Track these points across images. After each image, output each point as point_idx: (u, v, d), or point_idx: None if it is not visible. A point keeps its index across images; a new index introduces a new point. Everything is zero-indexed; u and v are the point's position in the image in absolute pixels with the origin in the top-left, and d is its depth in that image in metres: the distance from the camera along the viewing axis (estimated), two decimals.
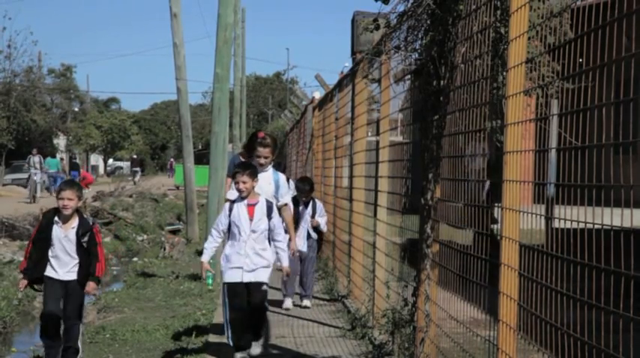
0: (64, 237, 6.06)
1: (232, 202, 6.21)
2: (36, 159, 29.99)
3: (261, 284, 6.18)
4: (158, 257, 15.23)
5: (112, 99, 77.28)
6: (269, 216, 6.17)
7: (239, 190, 6.12)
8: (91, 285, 6.11)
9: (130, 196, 26.60)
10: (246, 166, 6.32)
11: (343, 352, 6.64)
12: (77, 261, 6.07)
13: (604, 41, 2.81)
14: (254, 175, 6.16)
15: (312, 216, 8.95)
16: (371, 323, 7.08)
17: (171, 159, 67.04)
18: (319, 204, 9.20)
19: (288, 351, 6.71)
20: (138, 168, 48.43)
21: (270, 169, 6.91)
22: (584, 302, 2.82)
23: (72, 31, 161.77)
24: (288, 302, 8.79)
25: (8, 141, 44.62)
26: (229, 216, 6.15)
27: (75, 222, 6.09)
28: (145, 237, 19.42)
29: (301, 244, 8.54)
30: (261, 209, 6.16)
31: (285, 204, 6.96)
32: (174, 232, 20.04)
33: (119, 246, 17.76)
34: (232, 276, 6.16)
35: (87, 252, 6.07)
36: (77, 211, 6.15)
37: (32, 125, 48.27)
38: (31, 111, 47.96)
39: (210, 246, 6.25)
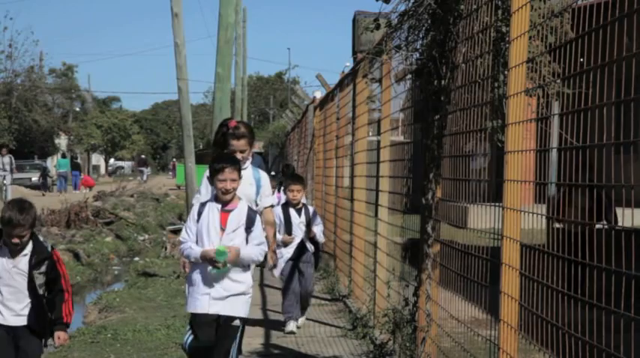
0: (12, 267, 4.49)
1: (203, 204, 4.84)
2: (6, 159, 27.36)
3: (232, 319, 4.75)
4: (159, 257, 15.24)
5: (113, 98, 77.36)
6: (248, 228, 4.74)
7: (225, 191, 4.72)
8: (61, 336, 4.60)
9: (132, 196, 26.60)
10: (234, 159, 4.96)
11: (344, 352, 6.64)
12: (30, 300, 4.51)
13: (605, 41, 2.81)
14: (239, 172, 4.85)
15: (307, 226, 7.53)
16: (372, 322, 7.08)
17: (174, 160, 67.18)
18: (312, 211, 7.81)
19: (289, 351, 6.71)
20: (144, 168, 49.44)
21: (249, 166, 5.52)
22: (585, 301, 2.82)
23: (73, 30, 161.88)
24: (291, 326, 7.36)
25: (9, 141, 44.62)
26: (197, 222, 4.76)
27: (28, 248, 4.52)
28: (147, 236, 19.45)
29: (282, 259, 7.37)
30: (237, 217, 4.74)
31: (271, 206, 5.79)
32: (176, 232, 20.06)
33: (120, 245, 17.78)
34: (196, 305, 4.72)
35: (46, 288, 4.57)
36: (31, 233, 4.55)
37: (33, 125, 48.29)
38: (33, 111, 47.98)
39: (192, 246, 4.75)
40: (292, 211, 7.53)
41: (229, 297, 4.71)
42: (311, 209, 7.79)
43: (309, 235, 7.56)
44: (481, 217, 3.95)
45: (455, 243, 4.42)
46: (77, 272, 13.51)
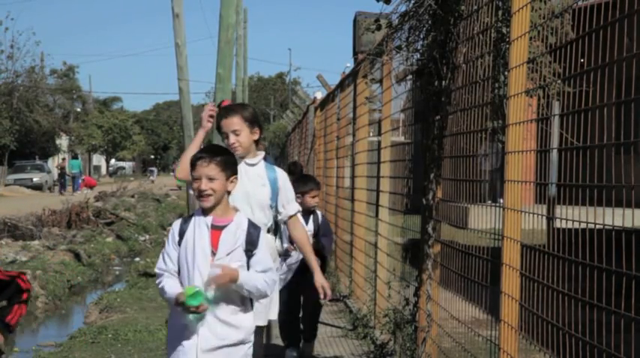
0: None
1: (186, 219, 3.57)
2: None
3: None
4: None
5: (114, 98, 77.45)
6: (249, 250, 3.50)
7: (200, 194, 3.48)
8: None
9: (132, 196, 26.64)
10: (217, 149, 3.66)
11: (345, 352, 6.64)
12: None
13: (605, 42, 2.82)
14: (229, 169, 3.51)
15: (315, 236, 6.22)
16: (372, 323, 7.08)
17: (176, 161, 67.40)
18: (322, 218, 6.48)
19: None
20: (154, 168, 50.52)
21: (260, 161, 4.28)
22: (585, 302, 2.83)
23: (74, 31, 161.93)
24: (290, 355, 6.31)
25: (11, 142, 44.69)
26: (178, 244, 3.51)
27: None
28: (147, 237, 19.46)
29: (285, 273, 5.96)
30: (233, 236, 3.49)
31: (294, 216, 4.41)
32: None
33: (121, 246, 17.80)
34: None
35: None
36: None
37: (35, 125, 48.36)
38: (34, 112, 48.05)
39: (167, 282, 3.48)
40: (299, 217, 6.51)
41: (223, 348, 3.46)
42: (320, 215, 6.49)
43: (313, 246, 6.34)
44: (481, 217, 3.96)
45: (455, 243, 4.43)
46: (78, 272, 13.51)
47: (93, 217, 19.03)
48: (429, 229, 4.74)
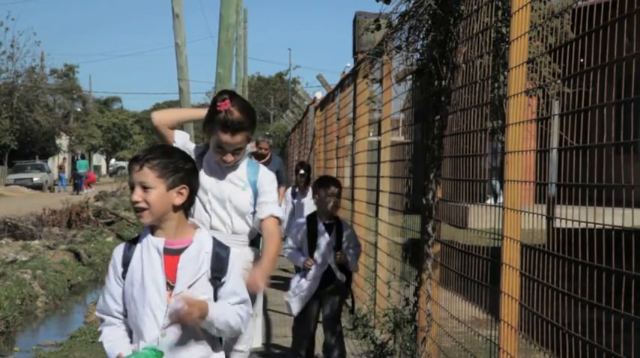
0: None
1: (131, 244, 2.77)
2: None
3: None
4: None
5: (114, 98, 77.55)
6: (216, 279, 2.73)
7: (136, 209, 2.70)
8: None
9: None
10: (155, 150, 2.76)
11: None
12: None
13: (605, 41, 2.82)
14: (172, 175, 2.69)
15: (337, 248, 5.37)
16: (372, 322, 7.08)
17: None
18: (348, 228, 5.62)
19: (289, 351, 6.71)
20: None
21: (242, 163, 3.71)
22: (585, 301, 2.83)
23: (74, 31, 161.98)
24: None
25: (11, 142, 44.73)
26: (122, 278, 2.73)
27: None
28: None
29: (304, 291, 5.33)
30: (195, 262, 2.71)
31: (267, 219, 3.68)
32: None
33: None
34: None
35: None
36: None
37: (35, 125, 48.39)
38: (34, 112, 48.08)
39: (106, 336, 2.76)
40: (321, 226, 5.42)
41: None
42: (346, 225, 5.66)
43: (337, 260, 5.33)
44: (481, 217, 3.96)
45: (455, 243, 4.43)
46: (78, 272, 13.51)
47: (93, 217, 19.04)
48: (429, 229, 4.75)
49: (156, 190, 2.67)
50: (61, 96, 58.47)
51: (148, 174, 2.67)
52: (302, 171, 9.04)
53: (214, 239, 2.80)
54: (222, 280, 2.74)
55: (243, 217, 3.71)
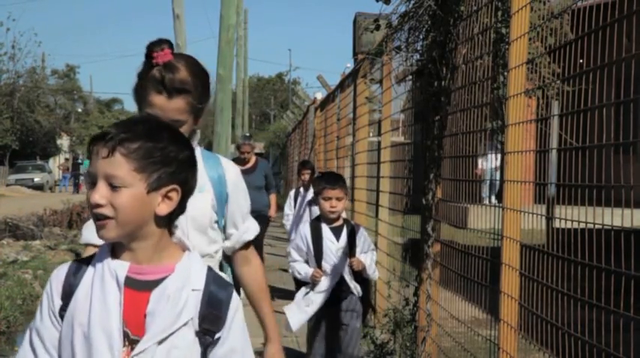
0: None
1: (79, 266, 1.77)
2: None
3: None
4: None
5: (115, 99, 77.63)
6: (208, 333, 1.75)
7: (95, 213, 1.69)
8: None
9: None
10: (138, 128, 1.71)
11: None
12: None
13: (604, 42, 2.82)
14: (156, 168, 1.69)
15: (351, 254, 4.83)
16: (372, 322, 7.09)
17: None
18: (362, 232, 5.03)
19: (289, 351, 6.72)
20: None
21: (196, 148, 2.44)
22: (585, 301, 2.83)
23: (75, 31, 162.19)
24: None
25: (12, 142, 44.78)
26: (60, 316, 1.72)
27: None
28: None
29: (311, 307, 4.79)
30: (173, 305, 1.70)
31: (249, 245, 2.68)
32: None
33: None
34: None
35: None
36: None
37: (36, 126, 48.42)
38: (35, 112, 48.12)
39: None
40: (327, 231, 4.82)
41: None
42: (359, 229, 5.04)
43: (354, 266, 4.78)
44: (481, 217, 3.97)
45: (455, 243, 4.44)
46: None
47: None
48: (429, 229, 4.75)
49: (130, 190, 1.68)
50: (62, 97, 58.53)
51: (120, 165, 1.67)
52: (308, 171, 8.77)
53: (210, 270, 1.80)
54: (217, 336, 1.77)
55: (204, 233, 2.48)
